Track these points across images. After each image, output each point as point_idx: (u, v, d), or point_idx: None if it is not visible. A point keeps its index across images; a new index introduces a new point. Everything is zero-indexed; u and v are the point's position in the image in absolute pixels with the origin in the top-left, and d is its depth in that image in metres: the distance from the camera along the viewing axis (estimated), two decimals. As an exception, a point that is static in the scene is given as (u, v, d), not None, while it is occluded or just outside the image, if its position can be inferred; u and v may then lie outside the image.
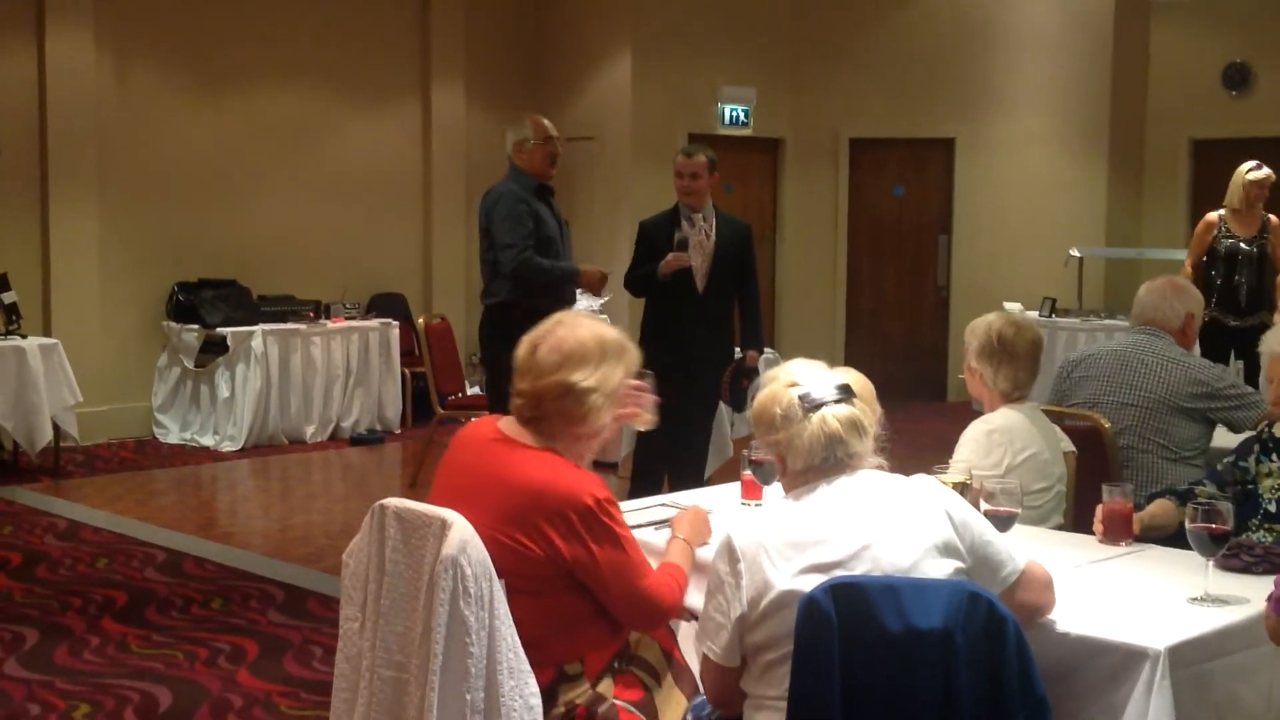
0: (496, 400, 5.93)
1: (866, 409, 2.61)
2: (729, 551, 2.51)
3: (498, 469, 2.90)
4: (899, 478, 2.60)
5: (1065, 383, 4.57)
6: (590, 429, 2.95)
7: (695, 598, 3.14)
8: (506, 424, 2.98)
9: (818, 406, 2.55)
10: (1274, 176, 7.99)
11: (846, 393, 2.59)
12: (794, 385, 2.60)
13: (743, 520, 2.59)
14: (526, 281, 5.82)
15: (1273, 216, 7.95)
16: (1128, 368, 4.38)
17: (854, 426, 2.56)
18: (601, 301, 10.34)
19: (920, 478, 2.63)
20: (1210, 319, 7.53)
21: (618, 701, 2.92)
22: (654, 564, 3.03)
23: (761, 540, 2.49)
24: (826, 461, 2.55)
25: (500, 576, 2.72)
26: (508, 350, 3.11)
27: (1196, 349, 4.87)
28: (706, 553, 3.04)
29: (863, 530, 2.44)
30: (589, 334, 2.96)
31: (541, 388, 2.90)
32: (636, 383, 3.03)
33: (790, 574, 2.42)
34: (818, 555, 2.42)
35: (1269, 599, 2.45)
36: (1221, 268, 7.88)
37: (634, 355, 3.01)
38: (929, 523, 2.47)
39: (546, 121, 6.12)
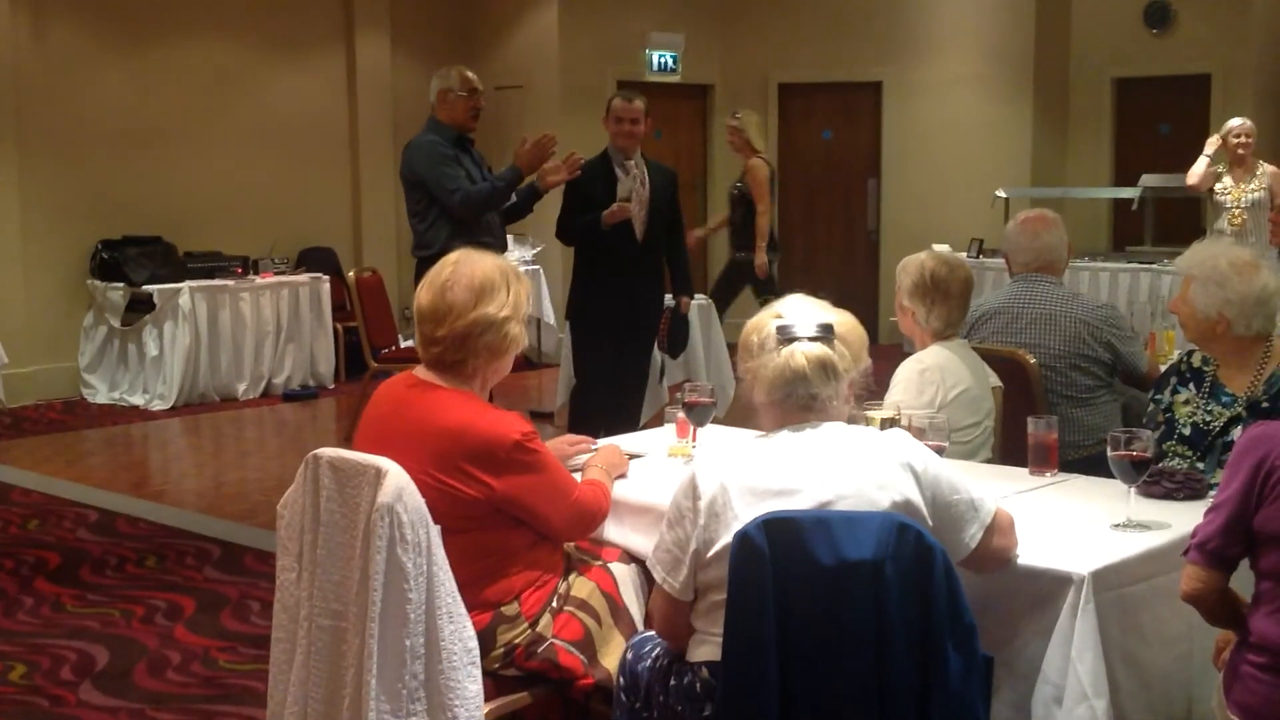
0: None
1: (845, 354, 2.55)
2: (692, 488, 2.52)
3: (418, 416, 2.92)
4: (866, 430, 2.58)
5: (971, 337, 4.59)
6: (510, 357, 2.99)
7: (634, 539, 3.19)
8: (420, 371, 3.00)
9: (792, 340, 2.52)
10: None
11: (826, 332, 2.54)
12: (778, 317, 2.58)
13: (708, 458, 2.58)
14: (476, 218, 5.87)
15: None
16: (1026, 326, 4.39)
17: (823, 368, 2.51)
18: (534, 252, 10.32)
19: (894, 432, 2.62)
20: None
21: (556, 640, 2.95)
22: None
23: (724, 482, 2.48)
24: (789, 399, 2.52)
25: (434, 521, 2.74)
26: None
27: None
28: (659, 491, 3.07)
29: (822, 486, 2.42)
30: (490, 264, 3.00)
31: (463, 328, 2.91)
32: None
33: (746, 520, 2.42)
34: (775, 506, 2.41)
35: (1189, 549, 2.45)
36: None
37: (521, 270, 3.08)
38: (890, 482, 2.44)
39: (472, 75, 6.10)
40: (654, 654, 2.72)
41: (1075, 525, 2.85)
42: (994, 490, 3.04)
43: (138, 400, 9.05)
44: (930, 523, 2.45)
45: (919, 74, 11.77)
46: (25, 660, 4.39)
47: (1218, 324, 3.41)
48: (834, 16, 11.79)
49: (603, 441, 3.70)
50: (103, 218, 9.38)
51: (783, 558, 2.32)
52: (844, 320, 2.61)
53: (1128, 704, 2.60)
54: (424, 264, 6.09)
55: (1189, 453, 3.54)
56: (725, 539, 2.44)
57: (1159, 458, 3.42)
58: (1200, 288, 3.42)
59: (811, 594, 2.32)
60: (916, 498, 2.45)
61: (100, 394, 9.22)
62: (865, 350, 2.64)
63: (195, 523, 6.10)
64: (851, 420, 2.64)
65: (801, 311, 2.59)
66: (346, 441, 3.07)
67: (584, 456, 3.41)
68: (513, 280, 3.00)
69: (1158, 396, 3.73)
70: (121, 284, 9.07)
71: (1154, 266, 9.01)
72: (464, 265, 2.97)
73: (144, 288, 9.00)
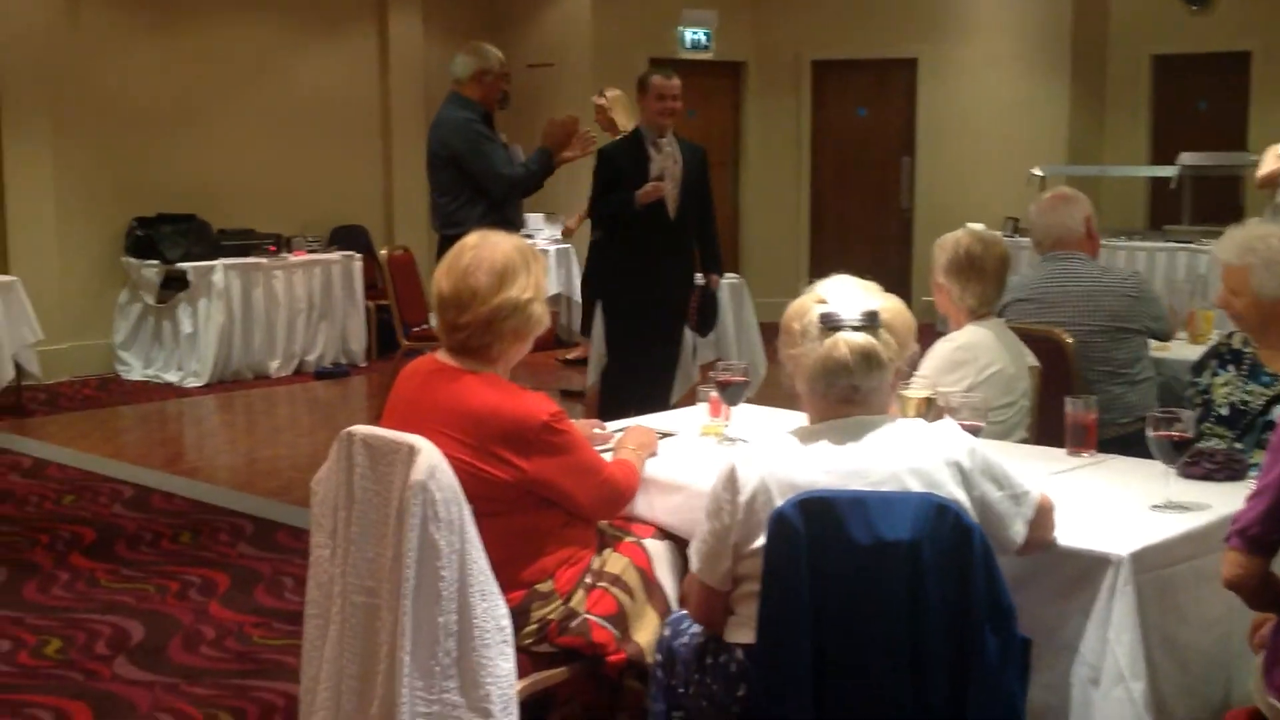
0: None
1: (892, 342, 2.44)
2: (732, 481, 2.46)
3: (444, 401, 2.91)
4: (914, 426, 2.49)
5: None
6: (532, 338, 2.98)
7: (666, 517, 3.18)
8: (442, 355, 2.99)
9: (836, 329, 2.41)
10: None
11: (871, 320, 2.42)
12: (821, 302, 2.47)
13: (749, 452, 2.51)
14: (517, 199, 6.04)
15: None
16: (1055, 306, 4.37)
17: (867, 359, 2.40)
18: (562, 228, 10.30)
19: (943, 424, 2.53)
20: None
21: (590, 616, 2.95)
22: None
23: (764, 477, 2.42)
24: (831, 390, 2.43)
25: (468, 502, 2.73)
26: None
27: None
28: (697, 481, 3.05)
29: (866, 488, 2.36)
30: (509, 245, 2.98)
31: (488, 313, 2.89)
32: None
33: None
34: None
35: (1230, 535, 2.40)
36: None
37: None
38: (937, 482, 2.37)
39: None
40: (691, 631, 2.70)
41: (1114, 506, 2.82)
42: (1031, 471, 3.02)
43: (172, 377, 9.10)
44: (975, 518, 2.38)
45: (955, 51, 11.66)
46: (60, 634, 4.42)
47: None
48: (868, -8, 11.70)
49: (632, 420, 3.69)
50: (137, 195, 9.43)
51: (818, 537, 2.30)
52: (890, 306, 2.50)
53: (1165, 686, 2.57)
54: (449, 241, 6.08)
55: (1227, 433, 3.50)
56: (763, 534, 2.39)
57: (1198, 438, 3.38)
58: (1264, 271, 3.36)
59: (847, 574, 2.30)
60: (963, 497, 2.39)
61: (135, 371, 9.28)
62: (913, 337, 2.53)
63: (228, 499, 6.13)
64: None
65: (846, 296, 2.48)
66: (378, 420, 3.06)
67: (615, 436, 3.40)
68: (531, 260, 2.98)
69: (1197, 380, 3.69)
70: (156, 261, 9.11)
71: (1192, 246, 8.90)
72: (484, 249, 2.94)
73: (178, 265, 9.04)
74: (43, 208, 9.09)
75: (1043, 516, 2.53)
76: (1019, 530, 2.47)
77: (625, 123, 8.23)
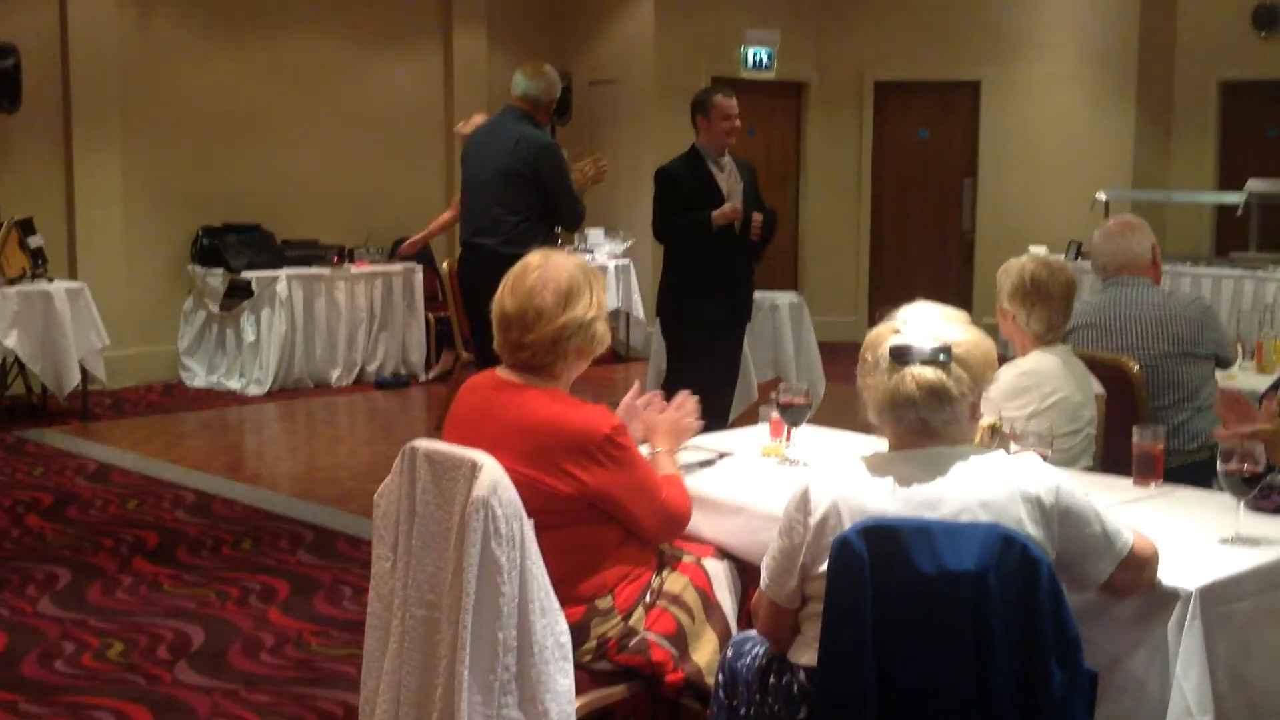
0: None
1: (964, 378, 2.39)
2: (805, 501, 2.46)
3: (507, 415, 2.93)
4: (992, 459, 2.41)
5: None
6: (593, 356, 3.01)
7: (726, 538, 3.17)
8: (503, 372, 3.00)
9: (905, 362, 2.39)
10: None
11: (942, 354, 2.38)
12: (896, 333, 2.44)
13: (824, 473, 2.49)
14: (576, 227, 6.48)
15: None
16: (1120, 332, 4.33)
17: (935, 395, 2.36)
18: (625, 246, 10.33)
19: (1025, 457, 2.47)
20: None
21: (648, 634, 2.95)
22: None
23: (836, 500, 2.41)
24: (900, 422, 2.41)
25: (528, 516, 2.75)
26: None
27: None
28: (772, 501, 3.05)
29: (927, 518, 2.34)
30: (572, 265, 3.00)
31: (553, 332, 2.91)
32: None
33: None
34: None
35: None
36: None
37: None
38: (1007, 514, 2.32)
39: None
40: (754, 652, 2.70)
41: (1182, 539, 2.78)
42: (1097, 501, 2.99)
43: (234, 385, 9.21)
44: (1053, 555, 2.35)
45: (1019, 73, 11.59)
46: (123, 638, 4.48)
47: None
48: (933, 14, 11.65)
49: (713, 442, 3.68)
50: (203, 205, 9.57)
51: (882, 565, 2.29)
52: (968, 339, 2.45)
53: (1233, 723, 2.54)
54: (506, 260, 6.02)
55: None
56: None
57: (1269, 470, 3.34)
58: None
59: (912, 603, 2.28)
60: (1039, 532, 2.35)
61: (198, 377, 9.40)
62: (991, 369, 2.48)
63: (289, 506, 6.19)
64: None
65: (922, 327, 2.44)
66: (437, 430, 3.08)
67: (699, 455, 3.41)
68: (594, 280, 3.01)
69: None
70: (221, 270, 9.24)
71: (1259, 273, 8.79)
72: (549, 269, 2.95)
73: (243, 274, 9.16)
74: (111, 215, 9.24)
75: (1140, 560, 2.47)
76: (1104, 569, 2.43)
77: None
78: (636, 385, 3.51)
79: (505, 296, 2.97)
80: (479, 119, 8.39)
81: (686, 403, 3.37)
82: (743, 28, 11.50)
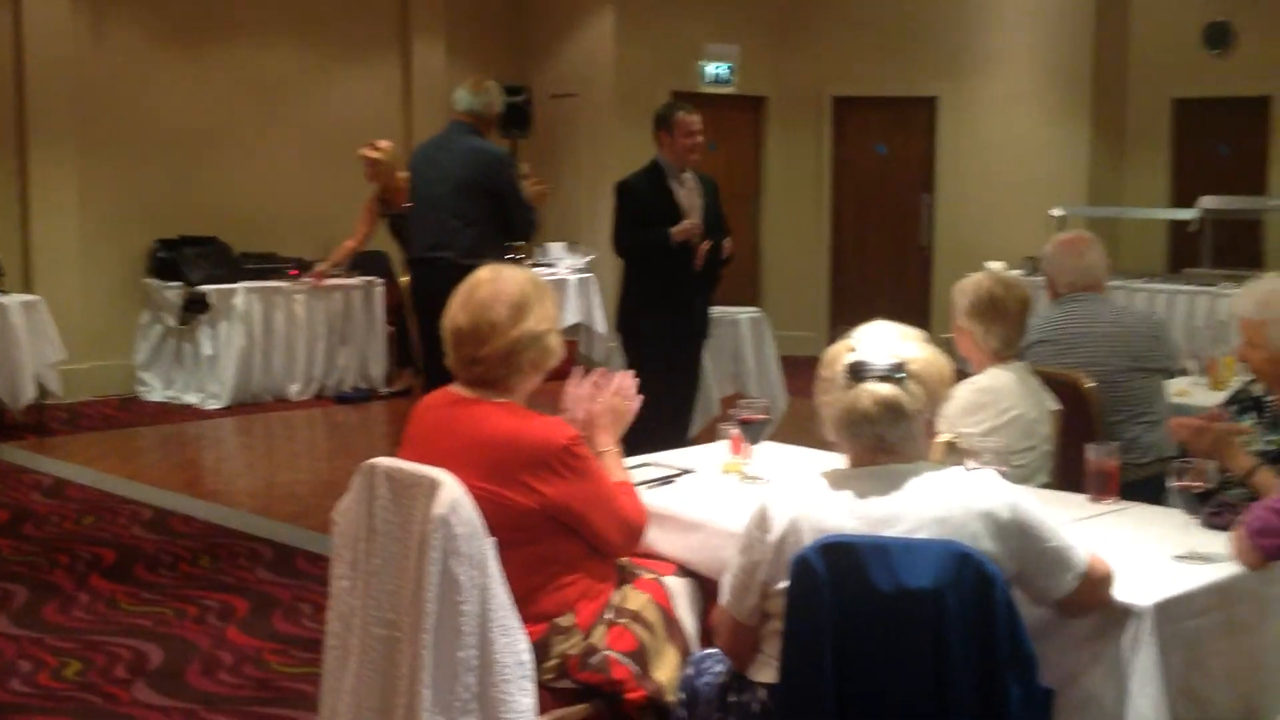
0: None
1: (919, 394, 2.43)
2: (764, 519, 2.48)
3: (464, 430, 2.93)
4: (950, 475, 2.44)
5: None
6: (547, 370, 3.01)
7: (686, 554, 3.18)
8: (458, 388, 3.00)
9: (861, 379, 2.43)
10: None
11: (897, 371, 2.42)
12: (851, 350, 2.48)
13: (782, 492, 2.51)
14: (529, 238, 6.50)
15: None
16: (1077, 347, 4.38)
17: (891, 410, 2.40)
18: (587, 260, 10.32)
19: (982, 474, 2.49)
20: None
21: (610, 652, 2.96)
22: None
23: (795, 519, 2.43)
24: (857, 439, 2.44)
25: (490, 533, 2.75)
26: None
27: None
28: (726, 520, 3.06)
29: (886, 536, 2.36)
30: (522, 278, 3.01)
31: (506, 345, 2.92)
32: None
33: None
34: None
35: (1243, 525, 2.56)
36: None
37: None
38: (965, 533, 2.35)
39: None
40: (715, 670, 2.71)
41: (1136, 556, 2.81)
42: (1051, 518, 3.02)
43: (192, 399, 9.13)
44: (1011, 570, 2.38)
45: (975, 90, 11.70)
46: (80, 657, 4.44)
47: None
48: (891, 31, 11.74)
49: (674, 459, 3.69)
50: (160, 218, 9.50)
51: (841, 583, 2.31)
52: (922, 356, 2.49)
53: (1187, 740, 2.57)
54: (462, 270, 6.02)
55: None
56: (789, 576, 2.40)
57: (1221, 487, 3.38)
58: (1277, 328, 3.39)
59: (870, 620, 2.31)
60: (995, 548, 2.37)
61: (155, 391, 9.32)
62: (945, 386, 2.52)
63: (247, 523, 6.15)
64: None
65: (877, 344, 2.48)
66: (398, 447, 3.08)
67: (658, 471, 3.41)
68: (545, 292, 3.02)
69: (1218, 426, 3.68)
70: (178, 283, 9.17)
71: (1212, 289, 8.90)
72: (499, 282, 2.97)
73: (200, 288, 9.09)
74: (67, 228, 9.17)
75: (1096, 579, 2.49)
76: (1064, 583, 2.45)
77: (399, 175, 8.09)
78: (577, 372, 3.37)
79: (457, 312, 2.98)
80: (385, 145, 8.58)
81: (623, 383, 3.31)
82: (703, 42, 11.56)
